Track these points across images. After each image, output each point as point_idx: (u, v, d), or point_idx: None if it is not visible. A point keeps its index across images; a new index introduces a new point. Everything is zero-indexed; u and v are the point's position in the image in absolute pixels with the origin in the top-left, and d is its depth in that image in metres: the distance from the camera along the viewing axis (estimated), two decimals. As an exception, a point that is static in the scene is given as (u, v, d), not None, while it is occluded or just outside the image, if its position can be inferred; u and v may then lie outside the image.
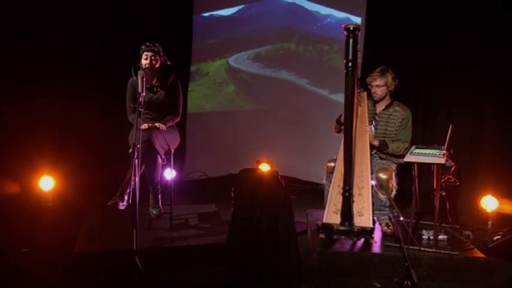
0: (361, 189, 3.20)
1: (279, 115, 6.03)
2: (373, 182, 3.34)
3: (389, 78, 3.51)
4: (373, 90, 3.56)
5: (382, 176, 3.31)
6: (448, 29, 4.50)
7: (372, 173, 3.32)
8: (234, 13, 6.15)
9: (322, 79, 5.84)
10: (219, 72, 6.29)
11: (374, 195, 3.34)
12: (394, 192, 3.37)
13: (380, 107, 3.63)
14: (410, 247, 3.04)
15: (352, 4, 5.47)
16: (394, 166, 3.50)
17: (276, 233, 2.86)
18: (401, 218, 3.24)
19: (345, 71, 3.02)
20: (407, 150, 3.38)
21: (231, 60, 6.24)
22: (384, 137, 3.54)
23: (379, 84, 3.52)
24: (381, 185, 3.30)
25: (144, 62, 3.43)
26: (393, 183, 3.35)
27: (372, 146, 3.48)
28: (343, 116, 3.28)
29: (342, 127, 3.43)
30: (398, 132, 3.53)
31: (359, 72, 3.19)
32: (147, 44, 3.47)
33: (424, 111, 4.72)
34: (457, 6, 4.42)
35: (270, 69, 6.10)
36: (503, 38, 4.16)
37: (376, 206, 3.37)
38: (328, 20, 5.72)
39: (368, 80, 3.57)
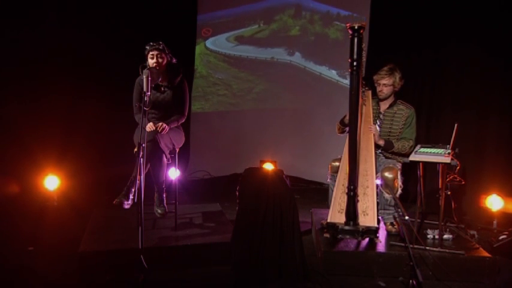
0: (365, 188, 3.20)
1: (283, 114, 6.03)
2: (379, 181, 3.33)
3: (397, 78, 3.50)
4: (379, 88, 3.55)
5: (388, 175, 3.30)
6: (452, 29, 4.49)
7: (377, 172, 3.32)
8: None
9: (327, 77, 5.83)
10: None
11: (379, 195, 3.34)
12: (399, 192, 3.37)
13: (384, 106, 3.62)
14: (416, 246, 3.03)
15: (357, 3, 5.46)
16: (399, 165, 3.49)
17: (281, 232, 2.86)
18: (407, 217, 3.24)
19: (349, 70, 3.01)
20: (412, 148, 3.38)
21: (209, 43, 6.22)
22: (388, 135, 3.54)
23: (387, 84, 3.51)
24: (387, 184, 3.29)
25: (151, 61, 3.44)
26: (399, 182, 3.35)
27: (377, 146, 3.48)
28: (347, 117, 3.28)
29: (346, 128, 3.42)
30: (402, 131, 3.53)
31: (363, 70, 3.19)
32: (151, 43, 3.47)
33: (428, 111, 4.71)
34: (462, 6, 4.40)
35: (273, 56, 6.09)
36: (508, 39, 4.14)
37: (381, 205, 3.37)
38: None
39: (375, 77, 3.55)
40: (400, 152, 3.47)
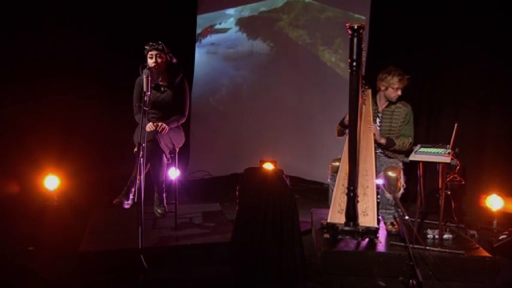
0: (365, 188, 3.20)
1: (283, 114, 6.02)
2: (380, 181, 3.33)
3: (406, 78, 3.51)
4: (397, 92, 3.49)
5: (391, 174, 3.31)
6: (453, 29, 4.48)
7: (377, 172, 3.32)
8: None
9: (326, 76, 5.82)
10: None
11: (380, 194, 3.34)
12: (402, 191, 3.37)
13: (382, 105, 3.63)
14: (416, 246, 3.03)
15: (356, 3, 5.46)
16: (401, 165, 3.49)
17: (281, 232, 2.86)
18: (407, 217, 3.24)
19: (349, 70, 3.01)
20: (411, 145, 3.40)
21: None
22: (388, 133, 3.54)
23: (403, 86, 3.50)
24: (390, 184, 3.29)
25: (150, 61, 3.44)
26: (401, 181, 3.35)
27: (378, 145, 3.48)
28: (347, 118, 3.26)
29: (345, 130, 3.40)
30: (401, 128, 3.53)
31: (363, 70, 3.18)
32: (150, 43, 3.48)
33: (428, 111, 4.71)
34: (462, 6, 4.40)
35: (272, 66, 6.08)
36: (508, 39, 4.14)
37: (382, 205, 3.37)
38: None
39: (396, 84, 3.46)
40: (401, 149, 3.48)
